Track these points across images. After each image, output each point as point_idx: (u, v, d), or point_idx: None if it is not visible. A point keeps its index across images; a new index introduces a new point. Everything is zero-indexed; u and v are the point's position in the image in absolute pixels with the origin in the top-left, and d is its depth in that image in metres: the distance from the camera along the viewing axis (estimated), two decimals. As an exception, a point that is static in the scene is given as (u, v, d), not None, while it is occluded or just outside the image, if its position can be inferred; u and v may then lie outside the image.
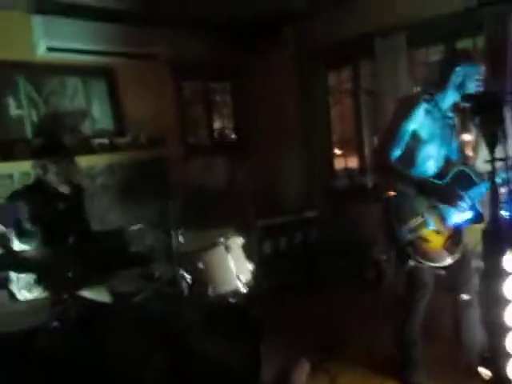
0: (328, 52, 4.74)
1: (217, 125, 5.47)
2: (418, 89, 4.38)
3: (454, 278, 2.47)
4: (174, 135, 4.73)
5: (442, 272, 2.45)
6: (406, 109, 2.35)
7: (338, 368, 2.78)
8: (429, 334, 2.67)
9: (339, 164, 5.22)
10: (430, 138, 2.36)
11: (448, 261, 2.32)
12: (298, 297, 3.97)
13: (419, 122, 2.32)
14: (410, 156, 2.39)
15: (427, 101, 2.33)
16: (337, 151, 5.27)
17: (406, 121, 2.30)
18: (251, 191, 4.37)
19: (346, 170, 5.15)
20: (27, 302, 2.29)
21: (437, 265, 2.32)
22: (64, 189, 2.66)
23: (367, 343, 3.04)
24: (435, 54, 4.18)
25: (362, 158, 4.87)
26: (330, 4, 4.43)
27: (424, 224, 2.31)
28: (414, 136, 2.35)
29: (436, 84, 2.36)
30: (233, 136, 5.56)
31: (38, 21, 3.73)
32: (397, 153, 2.34)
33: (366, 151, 4.85)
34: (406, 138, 2.33)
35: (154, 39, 4.29)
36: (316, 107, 4.96)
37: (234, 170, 4.89)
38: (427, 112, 2.33)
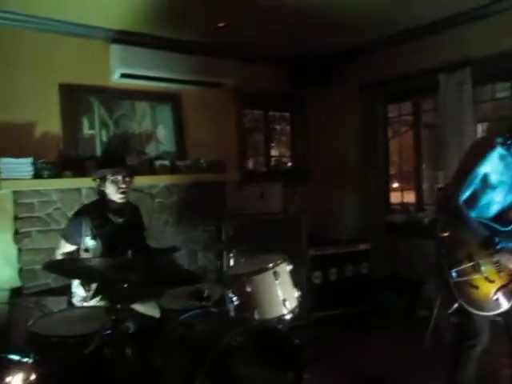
0: (390, 85, 4.75)
1: (274, 153, 5.57)
2: (484, 126, 4.31)
3: (509, 326, 2.34)
4: (233, 161, 4.87)
5: (499, 319, 2.34)
6: (481, 151, 2.31)
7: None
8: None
9: (396, 198, 5.13)
10: (498, 184, 2.31)
11: (501, 309, 2.21)
12: (345, 328, 3.90)
13: (492, 166, 2.27)
14: (474, 198, 2.34)
15: (502, 145, 2.28)
16: (394, 185, 5.19)
17: (480, 164, 2.26)
18: (305, 220, 4.38)
19: (403, 204, 5.04)
20: (84, 309, 2.42)
21: (483, 313, 2.22)
22: (120, 203, 2.81)
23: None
24: (501, 90, 4.08)
25: (419, 192, 4.77)
26: (395, 39, 4.48)
27: (475, 269, 2.23)
28: (484, 180, 2.30)
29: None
30: (289, 164, 5.63)
31: (115, 49, 4.03)
32: (466, 194, 2.30)
33: (425, 186, 4.75)
34: (477, 181, 2.29)
35: (220, 69, 4.50)
36: (375, 139, 4.94)
37: (289, 199, 4.93)
38: (501, 157, 2.28)
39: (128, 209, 2.91)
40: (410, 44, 4.45)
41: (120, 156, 3.02)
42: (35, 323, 2.17)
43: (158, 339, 2.27)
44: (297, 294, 2.69)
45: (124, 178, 2.75)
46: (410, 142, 4.94)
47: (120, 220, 2.79)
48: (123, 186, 2.74)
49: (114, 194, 2.75)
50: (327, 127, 5.45)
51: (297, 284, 2.77)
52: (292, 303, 2.61)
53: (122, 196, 2.75)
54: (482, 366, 2.39)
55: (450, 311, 2.27)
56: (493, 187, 2.31)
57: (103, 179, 2.74)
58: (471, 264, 2.24)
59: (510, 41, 3.66)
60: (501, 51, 3.71)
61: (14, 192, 3.57)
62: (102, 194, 2.79)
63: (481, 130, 4.30)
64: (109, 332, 2.00)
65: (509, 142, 2.27)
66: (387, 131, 5.06)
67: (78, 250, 2.73)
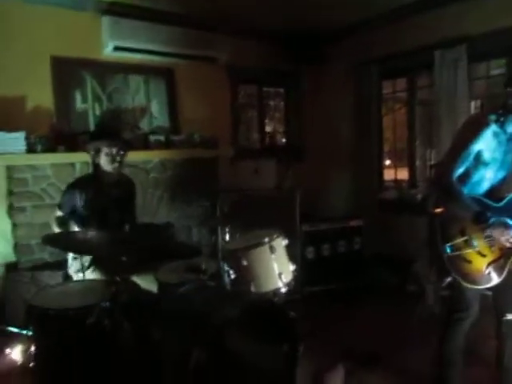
0: (385, 62, 4.72)
1: (268, 129, 5.56)
2: (478, 103, 4.33)
3: (499, 299, 2.41)
4: (227, 136, 4.86)
5: (489, 293, 2.40)
6: (475, 129, 2.31)
7: (372, 378, 2.78)
8: (471, 357, 2.60)
9: (388, 175, 5.17)
10: (491, 161, 2.33)
11: (492, 282, 2.27)
12: (338, 303, 3.98)
13: (485, 143, 2.29)
14: (466, 175, 2.37)
15: (496, 123, 2.29)
16: (387, 162, 5.22)
17: (474, 141, 2.28)
18: (298, 196, 4.41)
19: (395, 181, 5.09)
20: (83, 282, 2.44)
21: (476, 287, 2.28)
22: (116, 176, 2.82)
23: (403, 357, 3.00)
24: (496, 68, 4.08)
25: (412, 170, 4.81)
26: (391, 16, 4.44)
27: (468, 244, 2.28)
28: (477, 157, 2.32)
29: (505, 106, 2.30)
30: (283, 141, 5.63)
31: (106, 22, 3.95)
32: (459, 171, 2.32)
33: (418, 163, 4.78)
34: (471, 158, 2.31)
35: (214, 44, 4.44)
36: (368, 116, 4.94)
37: (282, 175, 4.94)
38: (494, 134, 2.29)
39: (123, 182, 2.93)
40: (406, 20, 4.41)
41: (115, 129, 3.02)
42: (34, 296, 2.19)
43: (156, 312, 2.30)
44: (292, 267, 2.73)
45: (119, 150, 2.76)
46: (403, 118, 4.95)
47: (114, 192, 2.81)
48: (118, 158, 2.75)
49: (107, 165, 2.76)
50: (322, 104, 5.44)
51: (291, 259, 2.81)
52: (288, 277, 2.65)
53: (116, 165, 2.77)
54: (469, 338, 2.46)
55: (442, 285, 2.33)
56: (485, 164, 2.34)
57: (98, 151, 2.75)
58: (464, 239, 2.28)
59: (506, 18, 3.65)
60: (496, 28, 3.70)
61: (8, 167, 3.54)
62: (97, 167, 2.79)
63: (474, 106, 4.32)
64: (108, 304, 2.03)
65: (502, 119, 2.29)
66: (381, 108, 5.06)
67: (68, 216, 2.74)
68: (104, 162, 2.76)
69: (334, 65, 5.21)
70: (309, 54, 5.22)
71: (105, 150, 2.74)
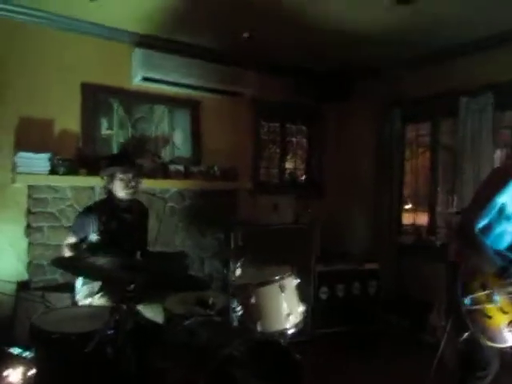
0: (410, 105, 4.72)
1: (289, 165, 5.57)
2: (502, 153, 4.26)
3: None
4: (247, 170, 4.88)
5: (509, 350, 2.28)
6: (501, 181, 2.28)
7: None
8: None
9: (408, 219, 5.08)
10: None
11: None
12: (350, 347, 3.84)
13: (509, 196, 2.24)
14: (489, 227, 2.30)
15: None
16: (407, 206, 5.14)
17: (499, 194, 2.24)
18: (315, 234, 4.35)
19: (414, 225, 4.99)
20: (88, 307, 2.43)
21: (496, 345, 2.17)
22: (129, 201, 2.85)
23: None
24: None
25: (432, 215, 4.71)
26: (419, 60, 4.47)
27: (489, 299, 2.19)
28: (500, 210, 2.27)
29: None
30: (303, 177, 5.62)
31: (138, 53, 4.08)
32: (482, 223, 2.27)
33: (439, 209, 4.69)
34: (495, 210, 2.26)
35: (240, 79, 4.52)
36: (390, 159, 4.91)
37: (301, 212, 4.91)
38: None
39: (137, 207, 2.96)
40: (434, 65, 4.43)
41: (130, 155, 3.07)
42: (39, 318, 2.18)
43: (161, 342, 2.26)
44: (302, 308, 2.67)
45: (133, 177, 2.79)
46: (425, 163, 4.90)
47: (127, 217, 2.82)
48: (132, 184, 2.78)
49: (121, 191, 2.80)
50: (343, 142, 5.44)
51: (303, 298, 2.75)
52: (296, 317, 2.58)
53: (130, 191, 2.80)
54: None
55: (460, 340, 2.22)
56: (508, 218, 2.28)
57: (112, 177, 2.78)
58: (485, 293, 2.19)
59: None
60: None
61: (29, 186, 3.61)
62: (110, 192, 2.83)
63: (499, 156, 4.25)
64: (111, 332, 2.00)
65: None
66: (404, 151, 5.02)
67: (80, 242, 2.76)
68: (117, 188, 2.79)
69: (359, 103, 5.23)
70: (333, 92, 5.25)
71: (119, 175, 2.78)
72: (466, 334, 2.20)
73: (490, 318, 2.17)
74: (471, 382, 2.32)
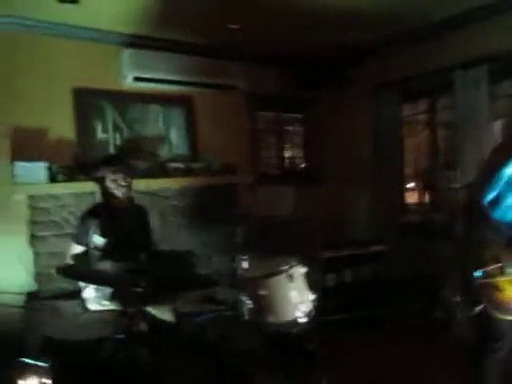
0: (405, 84, 4.68)
1: (287, 154, 5.55)
2: (500, 123, 4.22)
3: None
4: (246, 163, 4.85)
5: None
6: (508, 152, 2.26)
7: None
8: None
9: (411, 198, 5.06)
10: None
11: None
12: (361, 332, 3.84)
13: None
14: (497, 199, 2.28)
15: None
16: (409, 185, 5.12)
17: (507, 165, 2.21)
18: (319, 221, 4.35)
19: (418, 204, 4.97)
20: (98, 312, 2.42)
21: (508, 317, 2.15)
22: (125, 203, 2.87)
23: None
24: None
25: (435, 192, 4.69)
26: (410, 37, 4.42)
27: (502, 272, 2.17)
28: (508, 182, 2.25)
29: None
30: (303, 165, 5.60)
31: (127, 53, 4.05)
32: (491, 196, 2.25)
33: (441, 186, 4.67)
34: (503, 182, 2.24)
35: (232, 71, 4.50)
36: (389, 138, 4.88)
37: (302, 200, 4.90)
38: None
39: (135, 209, 2.99)
40: (426, 42, 4.38)
41: (122, 156, 3.07)
42: (50, 328, 2.18)
43: (173, 343, 2.26)
44: (311, 296, 2.66)
45: (124, 177, 2.81)
46: (425, 141, 4.87)
47: (126, 218, 2.85)
48: (123, 184, 2.81)
49: (113, 191, 2.82)
50: (340, 127, 5.40)
51: (311, 286, 2.74)
52: (307, 306, 2.58)
53: (122, 191, 2.83)
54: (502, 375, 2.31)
55: (473, 313, 2.21)
56: None
57: (103, 178, 2.81)
58: (497, 266, 2.17)
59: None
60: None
61: (30, 196, 3.60)
62: (106, 195, 2.83)
63: (497, 127, 4.22)
64: (123, 336, 2.00)
65: None
66: (402, 130, 4.99)
67: (87, 251, 2.76)
68: (110, 189, 2.80)
69: (354, 88, 5.18)
70: (327, 78, 5.21)
71: (110, 176, 2.79)
72: (479, 307, 2.19)
73: (502, 290, 2.15)
74: (487, 354, 2.31)
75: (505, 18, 3.76)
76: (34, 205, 3.62)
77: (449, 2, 3.74)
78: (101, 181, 2.84)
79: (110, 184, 2.80)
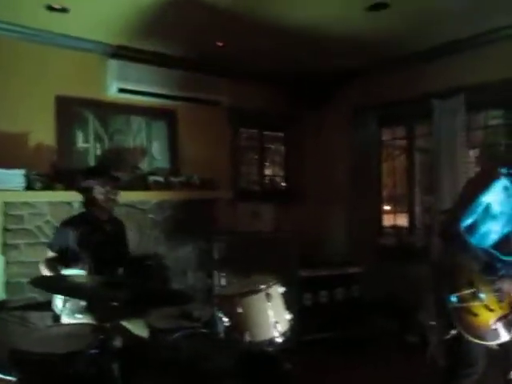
0: (385, 110, 4.79)
1: (268, 172, 5.57)
2: (476, 154, 4.35)
3: (507, 356, 2.31)
4: (226, 179, 4.85)
5: (496, 348, 2.30)
6: (485, 181, 2.32)
7: None
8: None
9: (388, 221, 5.13)
10: (499, 214, 2.31)
11: (499, 339, 2.18)
12: (336, 353, 3.84)
13: (495, 196, 2.28)
14: (474, 226, 2.34)
15: (507, 176, 2.29)
16: (386, 207, 5.20)
17: (484, 193, 2.27)
18: (296, 241, 4.35)
19: (395, 227, 5.04)
20: (70, 325, 2.36)
21: (482, 342, 2.19)
22: (107, 215, 2.85)
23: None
24: (494, 118, 4.14)
25: (412, 216, 4.78)
26: (391, 65, 4.55)
27: (475, 296, 2.21)
28: (485, 209, 2.30)
29: None
30: (283, 184, 5.63)
31: (112, 64, 4.03)
32: (467, 222, 2.30)
33: (417, 210, 4.77)
34: (479, 210, 2.30)
35: (216, 87, 4.52)
36: (367, 161, 4.96)
37: (280, 218, 4.91)
38: (504, 188, 2.28)
39: (114, 220, 2.97)
40: (405, 69, 4.51)
41: (107, 168, 3.05)
42: (19, 339, 2.11)
43: (146, 360, 2.21)
44: (288, 316, 2.65)
45: (112, 189, 2.81)
46: (402, 165, 4.98)
47: (107, 229, 2.83)
48: (110, 196, 2.80)
49: (99, 204, 2.80)
50: (321, 148, 5.47)
51: (288, 306, 2.73)
52: (283, 326, 2.57)
53: (109, 204, 2.82)
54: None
55: (446, 337, 2.24)
56: (493, 217, 2.31)
57: (90, 190, 2.78)
58: (471, 290, 2.21)
59: (503, 70, 3.73)
60: (494, 80, 3.77)
61: (5, 203, 3.51)
62: (89, 205, 2.80)
63: (473, 155, 4.35)
64: (95, 351, 1.95)
65: None
66: (380, 154, 5.09)
67: (59, 257, 2.72)
68: (96, 201, 2.78)
69: (335, 109, 5.28)
70: (311, 98, 5.30)
71: (98, 188, 2.75)
72: (453, 331, 2.22)
73: (476, 315, 2.19)
74: (459, 379, 2.34)
75: (482, 50, 3.91)
76: (8, 212, 3.53)
77: (429, 34, 3.89)
78: (86, 191, 2.79)
79: (98, 196, 2.77)
